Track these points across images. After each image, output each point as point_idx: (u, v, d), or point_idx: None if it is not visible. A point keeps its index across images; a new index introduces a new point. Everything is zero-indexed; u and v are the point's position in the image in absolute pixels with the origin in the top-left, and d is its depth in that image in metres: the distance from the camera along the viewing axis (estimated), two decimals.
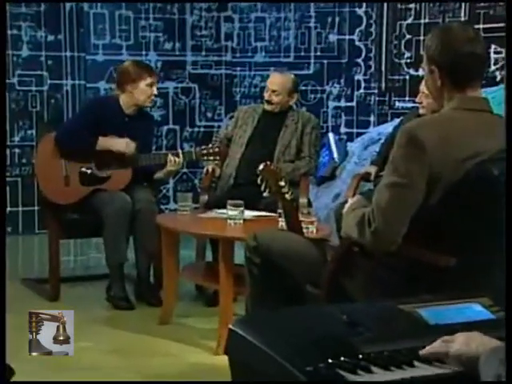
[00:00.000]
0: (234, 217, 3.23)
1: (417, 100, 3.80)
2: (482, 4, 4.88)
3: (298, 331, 1.51)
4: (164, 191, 5.83)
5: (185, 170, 5.65)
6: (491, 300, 1.68)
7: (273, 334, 1.50)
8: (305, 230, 2.74)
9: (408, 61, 5.33)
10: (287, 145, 4.02)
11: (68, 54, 5.45)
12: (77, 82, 5.49)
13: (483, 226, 1.95)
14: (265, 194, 2.61)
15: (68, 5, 5.39)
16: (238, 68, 5.93)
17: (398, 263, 2.01)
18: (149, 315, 3.53)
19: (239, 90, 5.94)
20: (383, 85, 5.50)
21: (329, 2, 5.64)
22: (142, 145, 3.79)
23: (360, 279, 2.09)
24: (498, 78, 4.70)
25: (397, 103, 5.43)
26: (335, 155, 5.31)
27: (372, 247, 1.99)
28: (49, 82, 5.42)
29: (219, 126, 5.75)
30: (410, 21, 5.31)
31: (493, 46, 4.69)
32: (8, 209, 5.29)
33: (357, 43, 5.64)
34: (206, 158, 3.82)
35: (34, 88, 5.38)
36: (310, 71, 5.77)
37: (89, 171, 3.75)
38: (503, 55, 4.61)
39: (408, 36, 5.32)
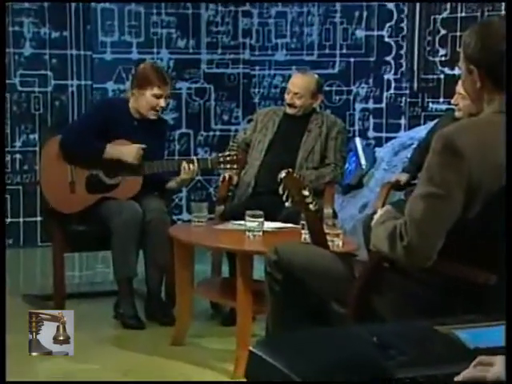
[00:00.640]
0: (253, 228, 3.23)
1: (453, 102, 3.79)
2: None
3: (323, 354, 1.51)
4: (176, 200, 5.85)
5: (199, 177, 5.67)
6: None
7: (296, 357, 1.50)
8: (330, 244, 2.74)
9: (443, 59, 5.32)
10: (311, 150, 4.03)
11: (74, 52, 5.50)
12: (83, 82, 5.54)
13: None
14: (286, 204, 2.61)
15: None
16: (257, 67, 5.94)
17: (432, 280, 2.00)
18: (160, 335, 3.53)
19: (258, 91, 5.96)
20: (415, 85, 5.49)
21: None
22: (152, 151, 3.80)
23: (391, 297, 2.08)
24: None
25: (430, 105, 5.42)
26: (363, 162, 5.30)
27: (404, 263, 1.98)
28: (53, 82, 5.47)
29: (236, 131, 5.76)
30: (445, 15, 5.30)
31: None
32: (8, 220, 5.34)
33: (386, 39, 5.64)
34: (222, 166, 3.83)
35: (36, 89, 5.43)
36: (335, 70, 5.78)
37: (96, 178, 3.78)
38: None
39: (443, 31, 5.31)
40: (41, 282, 4.51)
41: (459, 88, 3.61)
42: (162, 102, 3.78)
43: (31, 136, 5.43)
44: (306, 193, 2.53)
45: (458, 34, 5.14)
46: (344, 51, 5.75)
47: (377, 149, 5.53)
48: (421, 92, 5.46)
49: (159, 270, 3.72)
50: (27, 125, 5.43)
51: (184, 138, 5.89)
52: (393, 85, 5.65)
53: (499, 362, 1.41)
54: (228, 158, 3.80)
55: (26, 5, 5.35)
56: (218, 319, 3.77)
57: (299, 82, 4.08)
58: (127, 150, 3.74)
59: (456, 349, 1.58)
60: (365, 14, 5.67)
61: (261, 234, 3.24)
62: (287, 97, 4.10)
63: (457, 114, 3.72)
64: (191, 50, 5.83)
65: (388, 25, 5.62)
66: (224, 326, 3.66)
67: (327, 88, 5.54)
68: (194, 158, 3.89)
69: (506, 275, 1.47)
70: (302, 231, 3.03)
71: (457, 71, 4.88)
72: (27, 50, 5.41)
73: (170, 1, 5.72)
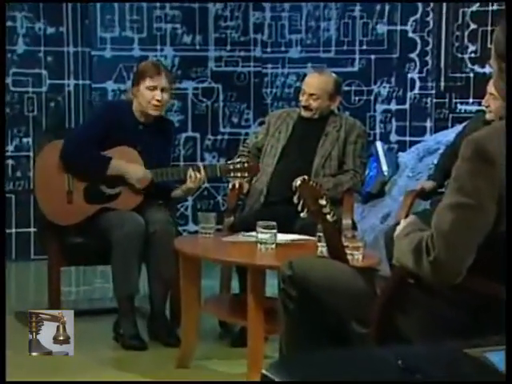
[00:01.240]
0: (265, 241, 3.24)
1: (483, 103, 3.79)
2: None
3: (342, 378, 1.51)
4: (182, 210, 5.87)
5: (206, 185, 5.68)
6: None
7: (313, 382, 1.50)
8: (349, 257, 2.74)
9: (472, 56, 5.32)
10: (328, 156, 4.03)
11: (71, 49, 5.53)
12: (81, 81, 5.57)
13: None
14: (302, 215, 2.61)
15: None
16: (270, 65, 5.96)
17: (461, 298, 2.00)
18: (165, 357, 3.54)
19: (270, 91, 5.97)
20: (442, 84, 5.49)
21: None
22: (158, 158, 3.81)
23: (416, 316, 2.08)
24: None
25: (459, 106, 5.41)
26: (384, 168, 5.30)
27: (431, 279, 1.98)
28: (48, 82, 5.51)
29: (247, 134, 5.77)
30: (474, 8, 5.30)
31: None
32: None
33: (410, 35, 5.65)
34: (232, 174, 3.83)
35: (30, 89, 5.47)
36: (355, 68, 5.79)
37: (95, 187, 3.79)
38: None
39: (473, 26, 5.31)
40: (34, 299, 4.52)
41: (490, 88, 3.60)
42: (158, 95, 3.76)
43: (24, 140, 5.46)
44: (323, 202, 2.53)
45: (489, 28, 5.14)
46: (364, 48, 5.76)
47: (400, 154, 5.53)
48: (448, 92, 5.46)
49: (163, 286, 3.72)
50: (20, 128, 5.46)
51: (190, 142, 5.91)
52: (417, 84, 5.65)
53: None
54: (239, 166, 3.81)
55: None
56: (227, 339, 3.77)
57: (315, 82, 4.09)
58: (133, 171, 3.75)
59: (488, 373, 1.58)
60: (387, 7, 5.68)
61: (274, 246, 3.24)
62: (302, 98, 4.10)
63: (488, 116, 3.72)
64: (198, 47, 5.86)
65: (412, 19, 5.63)
66: (234, 347, 3.66)
67: (346, 88, 5.55)
68: (201, 164, 3.90)
69: (507, 275, 1.46)
70: (319, 244, 3.03)
71: (487, 69, 4.89)
72: (20, 46, 5.45)
73: None
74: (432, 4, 5.51)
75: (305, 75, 4.41)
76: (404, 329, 2.08)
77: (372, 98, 5.78)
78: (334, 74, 4.22)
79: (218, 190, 5.89)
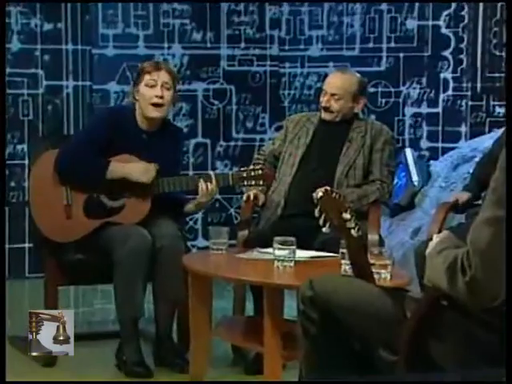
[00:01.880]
0: (283, 258, 3.24)
1: None
2: None
3: None
4: (191, 223, 5.87)
5: (218, 196, 5.68)
6: None
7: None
8: (376, 276, 2.74)
9: None
10: (352, 164, 4.03)
11: (70, 47, 5.57)
12: (80, 83, 5.60)
13: None
14: (323, 230, 2.62)
15: None
16: (287, 64, 5.98)
17: (500, 322, 1.99)
18: None
19: (288, 93, 5.99)
20: (478, 85, 5.48)
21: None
22: (165, 168, 3.80)
23: (450, 342, 2.08)
24: None
25: (497, 109, 5.41)
26: (414, 178, 5.29)
27: (467, 301, 1.98)
28: (45, 83, 5.54)
29: (262, 141, 5.79)
30: None
31: None
32: None
33: (443, 31, 5.65)
34: (246, 183, 3.83)
35: (26, 91, 5.50)
36: (382, 68, 5.79)
37: (97, 200, 3.80)
38: None
39: None
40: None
41: None
42: (158, 91, 3.75)
43: (19, 147, 5.49)
44: (346, 216, 2.53)
45: None
46: (392, 45, 5.76)
47: (431, 162, 5.53)
48: (485, 93, 5.46)
49: (171, 307, 3.73)
50: (14, 133, 5.49)
51: (200, 148, 5.92)
52: (451, 85, 5.65)
53: None
54: (253, 174, 3.81)
55: None
56: (241, 366, 3.76)
57: (337, 82, 4.10)
58: (136, 167, 3.75)
59: None
60: None
61: (292, 264, 3.25)
62: (322, 99, 4.11)
63: None
64: (209, 45, 5.88)
65: (445, 13, 5.63)
66: (248, 375, 3.66)
67: (371, 89, 5.55)
68: (212, 173, 3.88)
69: (506, 274, 1.45)
70: (342, 261, 3.04)
71: None
72: (15, 44, 5.48)
73: None
74: None
75: (326, 75, 4.43)
76: (437, 356, 2.07)
77: (400, 100, 5.78)
78: (358, 74, 4.23)
79: (230, 202, 5.90)
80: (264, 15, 5.90)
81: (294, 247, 3.26)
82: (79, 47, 5.58)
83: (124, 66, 5.70)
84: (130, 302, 3.64)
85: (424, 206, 5.13)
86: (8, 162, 5.44)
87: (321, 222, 2.57)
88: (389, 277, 2.98)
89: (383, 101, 5.79)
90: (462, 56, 5.59)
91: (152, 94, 3.77)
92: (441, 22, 5.65)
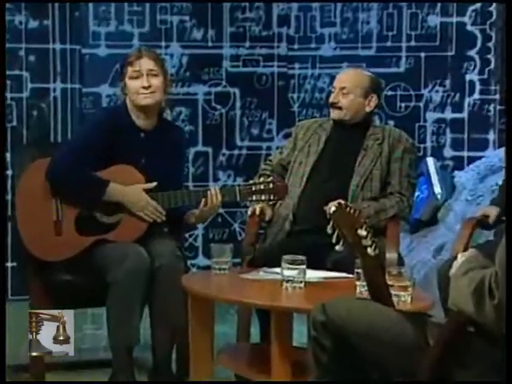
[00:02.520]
0: (292, 278, 3.24)
1: None
2: None
3: None
4: (190, 240, 5.88)
5: (220, 210, 5.68)
6: None
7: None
8: (394, 299, 2.74)
9: None
10: (368, 175, 4.04)
11: (58, 46, 5.59)
12: (69, 85, 5.62)
13: None
14: (337, 248, 2.62)
15: None
16: (297, 65, 5.99)
17: None
18: None
19: (298, 97, 6.00)
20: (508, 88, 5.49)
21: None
22: (165, 175, 3.80)
23: (477, 371, 2.08)
24: None
25: None
26: (437, 190, 5.30)
27: (495, 327, 1.98)
28: (30, 85, 5.56)
29: (270, 149, 5.80)
30: None
31: None
32: None
33: (469, 28, 5.66)
34: (255, 197, 3.81)
35: (9, 94, 5.51)
36: (401, 69, 5.80)
37: (89, 215, 3.79)
38: None
39: None
40: (14, 349, 4.53)
41: None
42: (144, 81, 3.75)
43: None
44: (362, 232, 2.54)
45: None
46: (412, 44, 5.78)
47: (456, 173, 5.53)
48: None
49: (169, 333, 3.72)
50: None
51: (200, 158, 5.93)
52: (477, 88, 5.65)
53: None
54: (262, 186, 3.79)
55: None
56: None
57: (347, 76, 4.13)
58: (132, 194, 3.73)
59: None
60: None
61: (302, 285, 3.25)
62: (331, 96, 4.12)
63: None
64: (210, 44, 5.89)
65: (471, 8, 5.65)
66: None
67: (389, 92, 5.57)
68: (216, 188, 3.80)
69: (506, 272, 1.45)
70: (358, 283, 3.04)
71: None
72: None
73: None
74: None
75: None
76: None
77: (422, 104, 5.79)
78: (371, 74, 4.24)
79: (234, 217, 5.90)
80: (271, 11, 5.91)
81: (304, 267, 3.26)
82: (68, 46, 5.60)
83: (117, 67, 5.69)
84: (125, 327, 3.63)
85: (448, 221, 5.14)
86: None
87: (334, 239, 2.58)
88: (409, 300, 2.97)
89: (403, 105, 5.80)
90: (489, 56, 5.60)
91: (138, 86, 3.79)
92: (466, 19, 5.66)
